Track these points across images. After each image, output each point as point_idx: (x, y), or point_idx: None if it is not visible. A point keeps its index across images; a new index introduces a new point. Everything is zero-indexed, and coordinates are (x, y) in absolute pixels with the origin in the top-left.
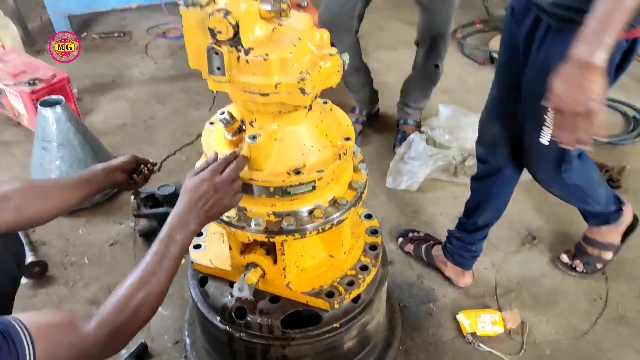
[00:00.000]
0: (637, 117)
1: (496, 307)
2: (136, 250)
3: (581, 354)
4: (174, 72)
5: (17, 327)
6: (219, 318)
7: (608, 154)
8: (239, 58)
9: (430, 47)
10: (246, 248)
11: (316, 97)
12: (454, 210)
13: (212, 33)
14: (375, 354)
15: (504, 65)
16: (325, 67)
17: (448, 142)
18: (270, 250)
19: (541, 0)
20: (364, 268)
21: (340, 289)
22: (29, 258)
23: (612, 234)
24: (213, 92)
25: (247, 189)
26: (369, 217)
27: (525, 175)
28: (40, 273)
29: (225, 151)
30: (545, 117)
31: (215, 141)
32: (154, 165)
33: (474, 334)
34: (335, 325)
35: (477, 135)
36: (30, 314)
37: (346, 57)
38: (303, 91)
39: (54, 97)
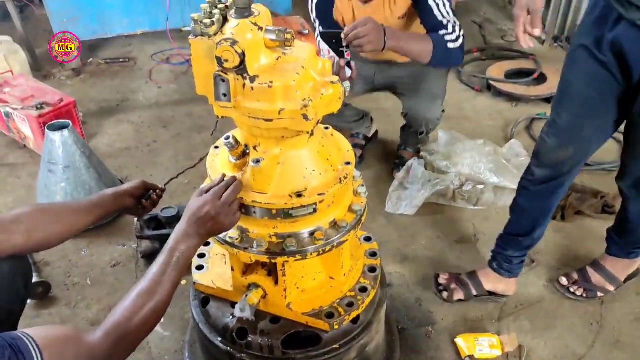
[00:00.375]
0: None
1: (494, 330)
2: (138, 271)
3: None
4: (177, 97)
5: (26, 340)
6: (220, 338)
7: (602, 180)
8: (244, 85)
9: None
10: (248, 269)
11: (318, 123)
12: (452, 233)
13: (219, 61)
14: None
15: (585, 101)
16: (327, 94)
17: (445, 167)
18: (272, 271)
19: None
20: (363, 289)
21: (340, 309)
22: (33, 278)
23: (624, 268)
24: (218, 117)
25: (249, 210)
26: (368, 239)
27: None
28: (43, 293)
29: (229, 174)
30: None
31: (220, 164)
32: (163, 190)
33: (471, 357)
34: (334, 346)
35: (472, 160)
36: (37, 328)
37: (347, 84)
38: (305, 117)
39: (61, 120)
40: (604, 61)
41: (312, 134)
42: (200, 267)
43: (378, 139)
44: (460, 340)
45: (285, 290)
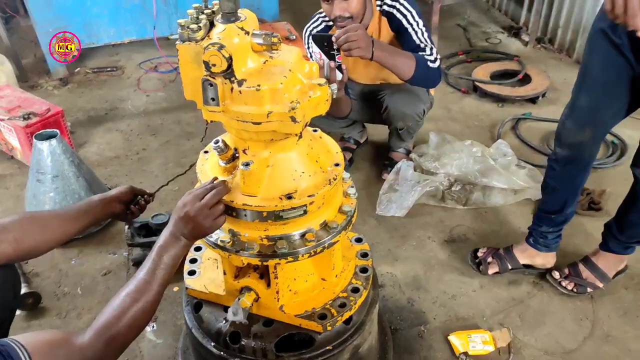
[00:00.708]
0: (615, 142)
1: (485, 327)
2: (129, 279)
3: None
4: (165, 105)
5: (15, 346)
6: (213, 343)
7: (588, 178)
8: (232, 89)
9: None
10: (240, 272)
11: (306, 125)
12: (442, 233)
13: (207, 66)
14: None
15: (602, 86)
16: (315, 96)
17: (434, 169)
18: (264, 273)
19: None
20: (355, 290)
21: (332, 310)
22: (22, 289)
23: (615, 265)
24: (207, 122)
25: (240, 213)
26: (359, 240)
27: (509, 197)
28: (34, 304)
29: (220, 177)
30: None
31: (209, 168)
32: (151, 195)
33: (465, 354)
34: (328, 347)
35: (460, 161)
36: (26, 334)
37: (334, 87)
38: (293, 119)
39: (48, 130)
40: (619, 44)
41: (300, 137)
42: (192, 272)
43: (368, 141)
44: (453, 338)
45: (277, 292)
